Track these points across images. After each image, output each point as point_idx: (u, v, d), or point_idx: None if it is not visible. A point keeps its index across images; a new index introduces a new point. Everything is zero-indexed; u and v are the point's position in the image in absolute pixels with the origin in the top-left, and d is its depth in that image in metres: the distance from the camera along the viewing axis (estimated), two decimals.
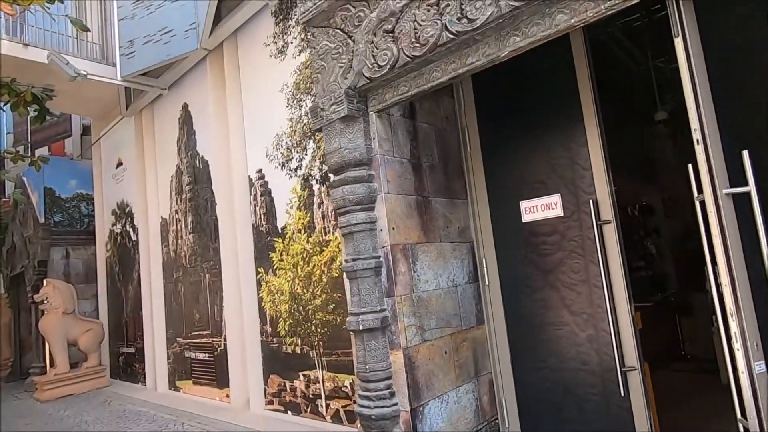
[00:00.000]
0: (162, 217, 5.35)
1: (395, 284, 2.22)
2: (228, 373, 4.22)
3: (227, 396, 4.26)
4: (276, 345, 3.78)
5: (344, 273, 2.26)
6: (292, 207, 3.67)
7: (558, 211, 2.39)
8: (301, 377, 3.55)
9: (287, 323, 3.68)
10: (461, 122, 2.80)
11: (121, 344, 6.16)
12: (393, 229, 2.26)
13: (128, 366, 5.97)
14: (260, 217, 3.97)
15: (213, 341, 4.47)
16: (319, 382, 3.40)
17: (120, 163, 6.26)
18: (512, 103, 2.64)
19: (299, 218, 3.59)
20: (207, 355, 4.55)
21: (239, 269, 4.15)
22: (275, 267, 3.78)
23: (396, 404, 2.12)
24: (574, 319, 2.33)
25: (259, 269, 3.94)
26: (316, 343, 3.44)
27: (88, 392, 5.63)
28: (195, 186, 4.81)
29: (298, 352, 3.59)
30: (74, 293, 6.01)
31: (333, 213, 3.34)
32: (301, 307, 3.57)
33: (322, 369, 3.38)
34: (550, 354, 2.40)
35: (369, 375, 2.11)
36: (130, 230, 5.99)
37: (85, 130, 7.43)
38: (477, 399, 2.53)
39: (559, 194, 2.40)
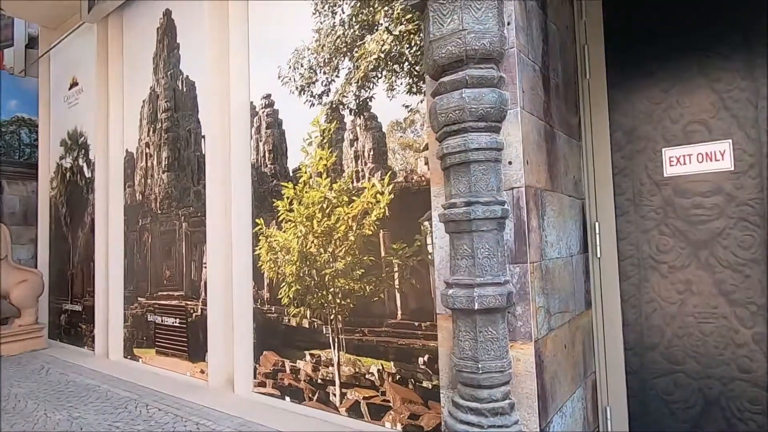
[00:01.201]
0: (127, 150, 4.41)
1: (528, 245, 1.53)
2: (205, 345, 3.46)
3: (202, 372, 3.51)
4: (274, 315, 3.05)
5: (446, 224, 1.54)
6: (310, 143, 2.89)
7: (726, 164, 1.80)
8: (308, 357, 2.85)
9: (292, 289, 2.95)
10: (579, 38, 2.13)
11: (64, 300, 5.21)
12: (527, 163, 1.57)
13: (72, 326, 5.05)
14: (264, 156, 3.17)
15: (187, 305, 3.67)
16: (332, 365, 2.72)
17: (75, 83, 5.18)
18: (662, 16, 1.96)
19: (321, 158, 2.83)
20: (177, 320, 3.75)
21: (230, 219, 3.36)
22: (281, 218, 3.02)
23: (517, 422, 1.46)
24: (735, 310, 1.77)
25: (257, 220, 3.16)
26: (332, 316, 2.74)
27: (20, 354, 4.70)
28: (174, 114, 3.91)
29: (306, 326, 2.88)
30: (7, 235, 4.98)
31: (371, 153, 2.61)
32: (314, 271, 2.84)
33: (339, 349, 2.70)
34: (690, 354, 1.85)
35: (481, 378, 1.46)
36: (84, 165, 4.98)
37: (32, 42, 6.19)
38: (584, 408, 1.92)
39: (729, 140, 1.80)
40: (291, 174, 3.01)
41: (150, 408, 3.04)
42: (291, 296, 2.95)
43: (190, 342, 3.63)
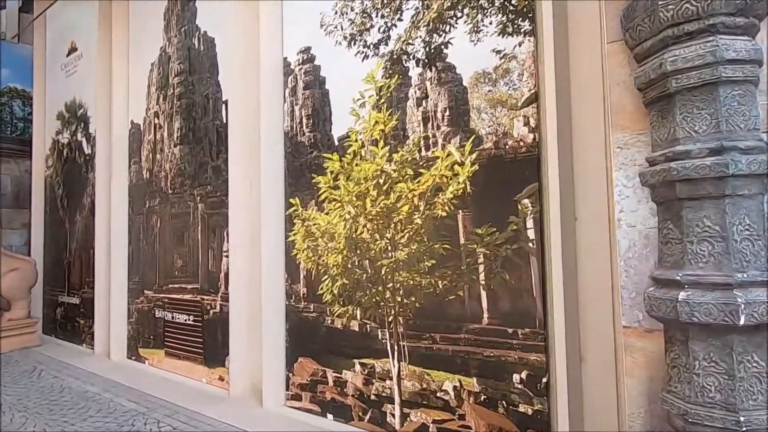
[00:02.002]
0: (133, 122, 3.87)
1: None
2: (225, 348, 2.94)
3: (221, 379, 2.99)
4: (313, 315, 2.53)
5: (656, 187, 1.01)
6: (363, 105, 2.36)
7: None
8: (358, 367, 2.33)
9: (337, 284, 2.42)
10: None
11: (60, 292, 4.68)
12: None
13: (69, 321, 4.53)
14: (300, 122, 2.64)
15: (203, 299, 3.15)
16: (390, 378, 2.20)
17: (73, 49, 4.63)
18: None
19: (377, 123, 2.30)
20: (191, 317, 3.22)
21: (257, 199, 2.83)
22: (322, 197, 2.49)
23: None
24: None
25: (292, 200, 2.63)
26: (390, 318, 2.22)
27: (10, 353, 4.19)
28: (189, 77, 3.36)
29: (355, 328, 2.36)
30: None
31: (445, 114, 2.08)
32: (366, 262, 2.32)
33: (400, 359, 2.18)
34: None
35: None
36: (83, 140, 4.44)
37: (26, 4, 5.63)
38: None
39: None
40: (336, 143, 2.47)
41: (162, 425, 2.53)
42: (336, 292, 2.43)
43: (207, 343, 3.11)
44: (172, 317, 3.37)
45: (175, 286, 3.38)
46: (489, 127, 1.95)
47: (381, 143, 2.28)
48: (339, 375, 2.41)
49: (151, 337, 3.56)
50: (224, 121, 3.08)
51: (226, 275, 3.00)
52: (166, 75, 3.56)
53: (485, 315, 1.93)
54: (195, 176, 3.26)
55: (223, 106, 3.10)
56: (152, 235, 3.62)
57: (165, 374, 3.37)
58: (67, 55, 4.71)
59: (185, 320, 3.27)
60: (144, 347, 3.62)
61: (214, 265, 3.11)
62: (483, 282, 1.94)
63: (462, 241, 2.00)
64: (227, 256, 3.01)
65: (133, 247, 3.81)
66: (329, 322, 2.46)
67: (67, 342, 4.46)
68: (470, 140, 1.98)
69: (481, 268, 1.94)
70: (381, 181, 2.27)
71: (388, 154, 2.24)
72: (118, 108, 3.95)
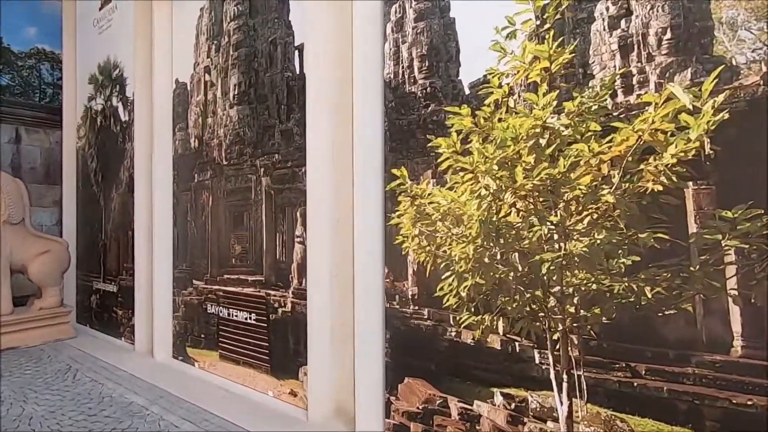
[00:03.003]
0: (178, 81, 3.28)
1: None
2: (298, 356, 2.36)
3: (293, 394, 2.42)
4: (429, 323, 1.91)
5: None
6: (511, 35, 1.68)
7: None
8: (499, 398, 1.70)
9: (467, 284, 1.78)
10: None
11: (95, 278, 4.19)
12: None
13: (105, 311, 4.04)
14: (410, 66, 1.98)
15: (269, 295, 2.56)
16: (555, 420, 1.57)
17: (107, 1, 4.05)
18: None
19: (536, 59, 1.62)
20: (254, 315, 2.65)
21: (346, 170, 2.21)
22: (444, 166, 1.83)
23: None
24: None
25: (395, 171, 1.98)
26: (556, 335, 1.58)
27: (42, 346, 3.72)
28: (250, 20, 2.73)
29: (495, 346, 1.72)
30: (25, 195, 3.96)
31: (665, 37, 1.39)
32: (515, 255, 1.67)
33: (572, 394, 1.54)
34: None
35: None
36: (119, 106, 3.89)
37: None
38: None
39: None
40: (467, 92, 1.81)
41: None
42: (464, 295, 1.79)
43: (274, 349, 2.53)
44: (229, 314, 2.80)
45: (232, 277, 2.80)
46: (753, 50, 1.26)
47: (543, 88, 1.60)
48: (468, 406, 1.78)
49: (202, 336, 3.01)
50: (297, 71, 2.45)
51: (300, 266, 2.40)
52: (219, 20, 2.93)
53: (737, 342, 1.27)
54: (257, 143, 2.65)
55: (296, 53, 2.47)
56: (203, 215, 3.04)
57: (221, 381, 2.82)
58: (100, 9, 4.14)
59: (246, 318, 2.69)
60: (193, 347, 3.08)
61: (284, 254, 2.51)
62: (734, 291, 1.27)
63: (693, 228, 1.33)
64: (301, 243, 2.40)
65: (179, 230, 3.25)
66: (452, 334, 1.83)
67: (104, 334, 3.98)
68: (714, 73, 1.29)
69: (731, 270, 1.27)
70: (542, 141, 1.60)
71: (555, 103, 1.57)
72: (161, 65, 3.36)
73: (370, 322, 2.09)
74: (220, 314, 2.88)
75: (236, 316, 2.77)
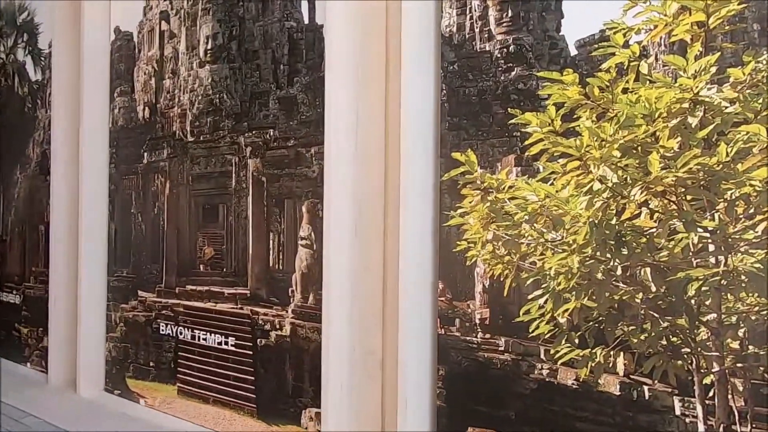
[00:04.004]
0: (119, 30, 2.52)
1: None
2: (310, 395, 1.80)
3: None
4: (505, 357, 1.45)
5: None
6: None
7: None
8: None
9: (568, 306, 1.34)
10: None
11: None
12: None
13: (3, 329, 3.12)
14: (482, 17, 1.50)
15: (258, 314, 1.95)
16: None
17: None
18: None
19: (684, 10, 1.22)
20: (233, 340, 2.03)
21: (376, 152, 1.70)
22: (533, 151, 1.38)
23: None
24: None
25: (457, 155, 1.49)
26: (704, 378, 1.19)
27: None
28: None
29: (611, 390, 1.31)
30: None
31: None
32: (644, 270, 1.27)
33: None
34: None
35: None
36: (27, 60, 3.00)
37: None
38: None
39: None
40: (572, 53, 1.38)
41: None
42: (563, 321, 1.36)
43: (263, 384, 1.94)
44: (194, 336, 2.15)
45: (200, 288, 2.16)
46: None
47: (696, 48, 1.21)
48: None
49: (151, 365, 2.32)
50: (306, 20, 1.87)
51: (306, 277, 1.84)
52: None
53: None
54: (241, 114, 2.02)
55: None
56: (155, 207, 2.35)
57: (180, 425, 2.16)
58: None
59: (220, 343, 2.06)
60: (137, 378, 2.37)
61: (280, 260, 1.93)
62: None
63: None
64: (308, 246, 1.83)
65: (119, 225, 2.51)
66: (544, 372, 1.39)
67: (3, 358, 3.07)
68: None
69: None
70: (692, 120, 1.21)
71: (714, 70, 1.18)
72: (94, 9, 2.57)
73: (414, 353, 1.60)
74: (180, 336, 2.21)
75: (205, 339, 2.13)
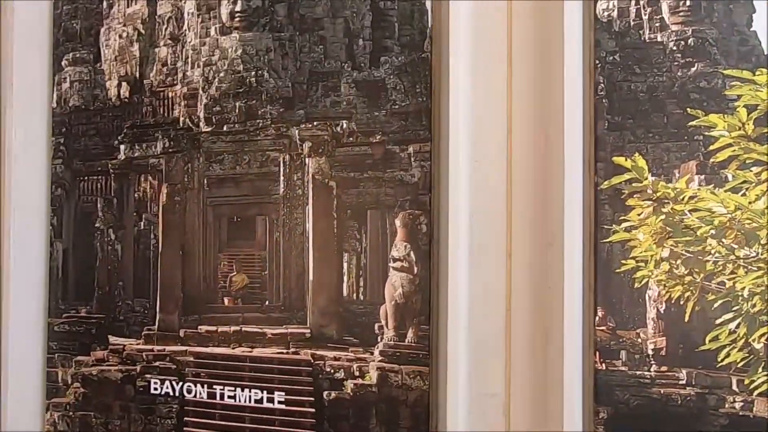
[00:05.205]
0: None
1: None
2: None
3: None
4: (688, 392, 1.26)
5: None
6: None
7: None
8: None
9: (762, 330, 1.22)
10: None
11: None
12: None
13: None
14: (650, 1, 1.31)
15: (325, 358, 1.49)
16: None
17: None
18: None
19: None
20: (281, 396, 1.53)
21: (497, 151, 1.41)
22: (719, 157, 1.24)
23: None
24: None
25: (619, 159, 1.28)
26: None
27: None
28: None
29: None
30: None
31: None
32: None
33: None
34: None
35: None
36: None
37: None
38: None
39: None
40: (762, 53, 1.25)
41: None
42: (759, 347, 1.23)
43: None
44: (212, 394, 1.60)
45: (223, 329, 1.61)
46: None
47: None
48: None
49: None
50: None
51: (402, 308, 1.46)
52: None
53: None
54: (294, 99, 1.55)
55: None
56: (141, 221, 1.71)
57: None
58: None
59: (260, 401, 1.55)
60: None
61: (360, 288, 1.51)
62: None
63: None
64: (404, 270, 1.45)
65: (73, 244, 1.79)
66: (736, 405, 1.24)
67: None
68: None
69: None
70: None
71: None
72: None
73: (566, 393, 1.34)
74: (188, 395, 1.63)
75: (233, 397, 1.59)
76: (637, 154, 1.30)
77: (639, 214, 1.30)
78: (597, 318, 1.34)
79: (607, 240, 1.33)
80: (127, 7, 1.75)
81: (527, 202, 1.43)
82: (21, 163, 1.79)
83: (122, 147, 1.73)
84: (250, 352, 1.59)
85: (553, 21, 1.36)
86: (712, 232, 1.25)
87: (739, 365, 1.24)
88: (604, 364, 1.33)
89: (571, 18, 1.32)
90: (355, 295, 1.51)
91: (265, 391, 1.57)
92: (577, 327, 1.33)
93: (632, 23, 1.33)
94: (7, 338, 1.75)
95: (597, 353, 1.33)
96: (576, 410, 1.32)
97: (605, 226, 1.33)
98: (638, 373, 1.30)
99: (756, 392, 1.22)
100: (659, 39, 1.31)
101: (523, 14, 1.42)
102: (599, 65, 1.34)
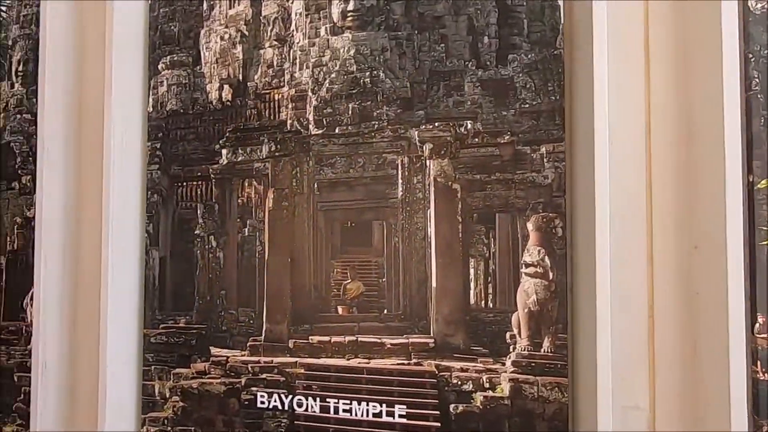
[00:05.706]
0: None
1: None
2: None
3: None
4: None
5: None
6: None
7: None
8: None
9: None
10: None
11: None
12: None
13: None
14: None
15: (451, 370, 1.43)
16: None
17: None
18: None
19: None
20: (402, 410, 1.47)
21: (635, 148, 1.35)
22: None
23: None
24: None
25: None
26: None
27: None
28: None
29: None
30: None
31: None
32: None
33: None
34: None
35: None
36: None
37: None
38: None
39: None
40: None
41: None
42: None
43: None
44: (326, 408, 1.53)
45: (337, 339, 1.55)
46: None
47: None
48: None
49: None
50: None
51: (536, 316, 1.39)
52: None
53: None
54: (413, 100, 1.51)
55: None
56: (246, 228, 1.66)
57: None
58: None
59: (378, 414, 1.49)
60: None
61: (490, 295, 1.45)
62: None
63: None
64: (538, 275, 1.39)
65: (170, 252, 1.74)
66: None
67: None
68: None
69: None
70: None
71: None
72: None
73: (731, 406, 1.27)
74: (298, 409, 1.57)
75: (349, 411, 1.52)
76: None
77: None
78: (757, 325, 1.26)
79: (765, 242, 1.26)
80: (230, 8, 1.71)
81: (669, 203, 1.37)
82: (117, 169, 1.75)
83: (224, 151, 1.69)
84: (367, 363, 1.53)
85: (700, 15, 1.31)
86: None
87: None
88: (765, 374, 1.25)
89: (727, 12, 1.26)
90: (483, 302, 1.45)
91: (384, 405, 1.50)
92: (739, 335, 1.25)
93: None
94: (105, 349, 1.70)
95: (759, 363, 1.26)
96: (739, 425, 1.25)
97: (763, 228, 1.26)
98: None
99: None
100: None
101: (661, 8, 1.37)
102: (753, 59, 1.29)
